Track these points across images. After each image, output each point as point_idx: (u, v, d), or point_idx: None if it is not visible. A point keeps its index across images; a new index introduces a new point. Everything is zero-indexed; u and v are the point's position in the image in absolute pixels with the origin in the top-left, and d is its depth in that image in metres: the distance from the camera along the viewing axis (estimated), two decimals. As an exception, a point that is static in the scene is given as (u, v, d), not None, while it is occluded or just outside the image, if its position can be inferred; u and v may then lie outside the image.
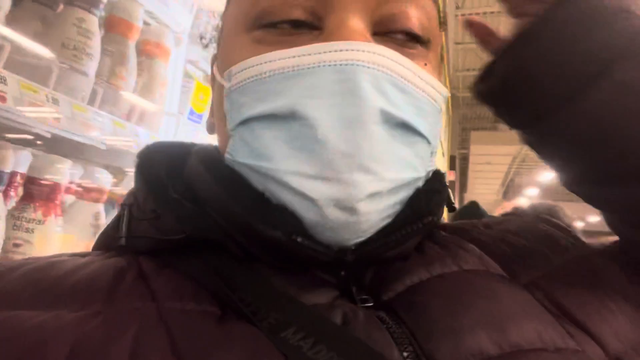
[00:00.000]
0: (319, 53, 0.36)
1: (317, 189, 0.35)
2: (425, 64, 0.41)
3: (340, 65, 0.35)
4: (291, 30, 0.39)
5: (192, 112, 1.68)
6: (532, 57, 0.43)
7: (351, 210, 0.35)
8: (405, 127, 0.37)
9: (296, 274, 0.38)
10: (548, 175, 13.99)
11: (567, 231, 0.50)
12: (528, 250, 0.47)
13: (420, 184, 0.40)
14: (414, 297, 0.38)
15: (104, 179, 1.43)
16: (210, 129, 0.48)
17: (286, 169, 0.35)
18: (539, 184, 14.98)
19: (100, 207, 1.43)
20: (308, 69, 0.36)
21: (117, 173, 1.49)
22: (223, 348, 0.31)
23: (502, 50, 0.44)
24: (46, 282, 0.36)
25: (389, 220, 0.39)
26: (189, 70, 1.69)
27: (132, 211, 0.43)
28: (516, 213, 0.58)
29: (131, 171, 1.48)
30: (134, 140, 1.28)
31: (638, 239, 0.45)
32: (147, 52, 1.43)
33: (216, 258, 0.38)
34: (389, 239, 0.39)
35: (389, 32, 0.40)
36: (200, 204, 0.39)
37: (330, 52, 0.36)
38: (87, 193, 1.37)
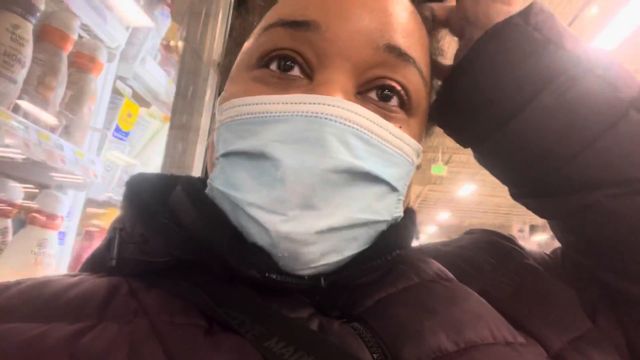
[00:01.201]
0: (294, 103, 0.40)
1: (271, 222, 0.38)
2: (400, 127, 0.44)
3: (310, 116, 0.39)
4: (283, 75, 0.44)
5: (118, 129, 1.65)
6: (467, 85, 0.48)
7: (299, 243, 0.38)
8: (368, 176, 0.40)
9: (276, 295, 0.41)
10: (445, 215, 14.95)
11: (513, 241, 0.57)
12: (478, 261, 0.53)
13: (384, 227, 0.44)
14: (382, 308, 0.42)
15: (16, 193, 1.35)
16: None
17: (250, 201, 0.39)
18: (437, 222, 15.97)
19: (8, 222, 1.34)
20: (281, 116, 0.40)
21: (36, 187, 1.41)
22: (213, 354, 0.34)
23: (444, 78, 0.51)
24: (42, 298, 0.38)
25: (338, 256, 0.41)
26: (119, 86, 1.66)
27: (122, 235, 0.45)
28: (472, 231, 0.63)
29: (49, 185, 1.41)
30: (59, 155, 1.23)
31: (574, 243, 0.51)
32: (79, 65, 1.39)
33: (202, 278, 0.41)
34: (359, 268, 0.42)
35: (370, 93, 0.44)
36: (186, 229, 0.42)
37: (303, 103, 0.40)
38: (-4, 205, 1.29)
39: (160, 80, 1.80)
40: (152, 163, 1.79)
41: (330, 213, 0.39)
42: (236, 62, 0.49)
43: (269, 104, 0.41)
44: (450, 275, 0.49)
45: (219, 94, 0.50)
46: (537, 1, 0.48)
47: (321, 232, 0.39)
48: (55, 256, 1.36)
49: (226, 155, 0.42)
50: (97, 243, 1.62)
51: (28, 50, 1.15)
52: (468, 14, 0.51)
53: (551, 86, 0.45)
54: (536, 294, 0.49)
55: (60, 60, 1.28)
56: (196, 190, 0.44)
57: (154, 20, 1.67)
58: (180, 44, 1.99)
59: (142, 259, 0.43)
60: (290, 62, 0.44)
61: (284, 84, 0.43)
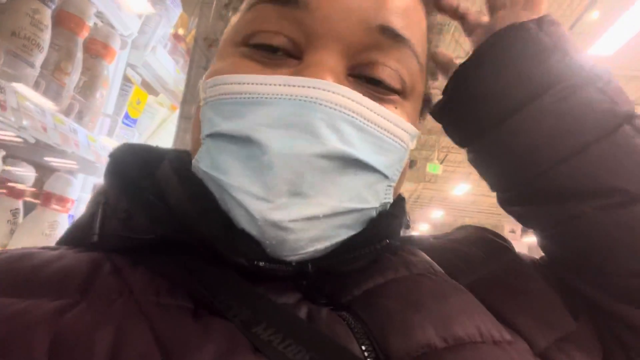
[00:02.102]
0: (284, 85, 0.38)
1: (259, 209, 0.37)
2: (396, 107, 0.43)
3: (300, 100, 0.37)
4: (273, 55, 0.41)
5: (127, 116, 1.67)
6: (475, 78, 0.49)
7: (286, 229, 0.37)
8: (358, 163, 0.39)
9: (263, 279, 0.40)
10: (438, 213, 15.05)
11: (504, 238, 0.56)
12: (468, 256, 0.52)
13: (373, 213, 0.42)
14: (370, 299, 0.41)
15: (27, 175, 1.37)
16: None
17: (237, 185, 0.38)
18: (430, 221, 16.06)
19: (19, 203, 1.36)
20: (270, 98, 0.38)
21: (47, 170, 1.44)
22: (202, 338, 0.33)
23: (453, 72, 0.50)
24: (23, 272, 0.37)
25: (327, 242, 0.40)
26: (129, 74, 1.68)
27: (105, 209, 0.43)
28: (464, 227, 0.62)
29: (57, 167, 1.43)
30: (73, 139, 1.26)
31: (558, 256, 0.51)
32: (93, 51, 1.42)
33: (187, 258, 0.39)
34: (347, 256, 0.41)
35: (362, 77, 0.42)
36: (171, 206, 0.41)
37: (293, 86, 0.38)
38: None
39: (169, 68, 1.82)
40: (159, 151, 1.81)
41: (319, 201, 0.37)
42: (223, 36, 0.47)
43: (256, 84, 0.39)
44: (439, 269, 0.48)
45: None
46: (550, 14, 0.51)
47: (309, 220, 0.37)
48: (65, 238, 1.38)
49: (212, 135, 0.40)
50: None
51: (46, 35, 1.17)
52: (496, 15, 0.52)
53: (553, 90, 0.46)
54: (524, 291, 0.48)
55: (76, 45, 1.30)
56: (185, 167, 0.42)
57: (166, 8, 1.69)
58: (191, 33, 2.01)
59: (125, 235, 0.41)
60: (277, 48, 0.42)
61: (272, 63, 0.41)
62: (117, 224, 0.42)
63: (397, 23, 0.42)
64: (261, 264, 0.38)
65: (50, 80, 1.23)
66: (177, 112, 1.82)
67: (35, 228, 1.35)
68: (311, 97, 0.37)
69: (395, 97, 0.43)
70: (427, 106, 0.52)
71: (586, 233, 0.46)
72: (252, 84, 0.39)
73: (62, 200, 1.37)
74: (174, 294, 0.36)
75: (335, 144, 0.37)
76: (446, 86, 0.52)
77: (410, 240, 0.55)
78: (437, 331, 0.38)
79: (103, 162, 1.44)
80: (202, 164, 0.40)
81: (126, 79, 1.66)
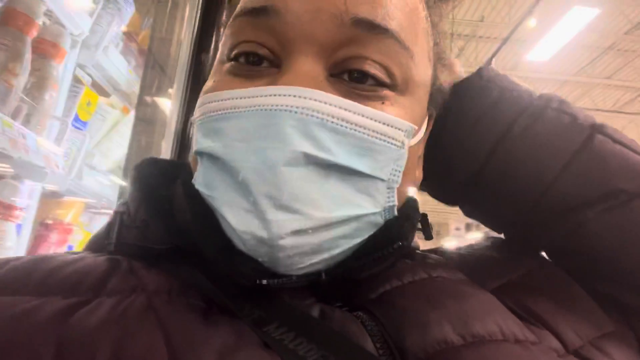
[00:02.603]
0: (252, 97, 0.38)
1: (245, 227, 0.37)
2: (383, 102, 0.41)
3: (268, 110, 0.37)
4: (256, 67, 0.41)
5: (77, 119, 1.60)
6: (441, 138, 0.50)
7: (275, 247, 0.36)
8: (340, 168, 0.38)
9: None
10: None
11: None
12: (494, 260, 0.51)
13: (378, 218, 0.41)
14: (386, 299, 0.41)
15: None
16: None
17: (224, 201, 0.38)
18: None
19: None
20: (242, 111, 0.38)
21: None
22: (210, 334, 0.33)
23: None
24: (39, 274, 0.37)
25: (328, 253, 0.39)
26: (79, 74, 1.61)
27: (123, 219, 0.45)
28: (488, 237, 0.59)
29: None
30: (22, 143, 1.19)
31: (576, 264, 0.49)
32: (42, 51, 1.34)
33: (201, 266, 0.40)
34: (361, 262, 0.40)
35: (343, 72, 0.41)
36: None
37: (264, 96, 0.37)
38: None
39: (122, 69, 1.76)
40: (112, 154, 1.74)
41: (306, 213, 0.36)
42: (217, 55, 0.47)
43: (228, 99, 0.39)
44: (460, 273, 0.47)
45: (188, 87, 0.51)
46: (485, 65, 0.54)
47: (297, 234, 0.36)
48: (13, 248, 1.31)
49: (198, 153, 0.41)
50: (53, 236, 1.56)
51: (-8, 34, 1.10)
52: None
53: (516, 124, 0.48)
54: (556, 291, 0.47)
55: (25, 45, 1.23)
56: (193, 192, 0.42)
57: (118, 7, 1.63)
58: (143, 33, 1.95)
59: (141, 244, 0.42)
60: (255, 57, 0.41)
61: (252, 76, 0.41)
62: (135, 232, 0.43)
63: (374, 13, 0.40)
64: (264, 282, 0.37)
65: (-4, 81, 1.16)
66: (132, 114, 1.76)
67: (-21, 238, 1.26)
68: (280, 105, 0.36)
69: (386, 91, 0.41)
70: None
71: (596, 236, 0.46)
72: (229, 99, 0.39)
73: (8, 208, 1.30)
74: (186, 293, 0.37)
75: (309, 151, 0.36)
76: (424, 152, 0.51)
77: (435, 251, 0.54)
78: (454, 328, 0.37)
79: (53, 167, 1.37)
80: (197, 182, 0.41)
81: (76, 80, 1.59)
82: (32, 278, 0.36)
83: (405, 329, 0.37)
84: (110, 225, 0.45)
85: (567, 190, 0.46)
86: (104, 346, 0.31)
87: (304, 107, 0.37)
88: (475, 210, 0.55)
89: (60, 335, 0.31)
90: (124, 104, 1.84)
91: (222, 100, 0.40)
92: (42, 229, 1.52)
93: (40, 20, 1.28)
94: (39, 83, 1.34)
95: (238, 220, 0.37)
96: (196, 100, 0.44)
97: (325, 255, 0.39)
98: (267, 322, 0.35)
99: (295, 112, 0.36)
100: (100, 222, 1.64)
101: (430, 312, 0.39)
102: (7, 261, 0.39)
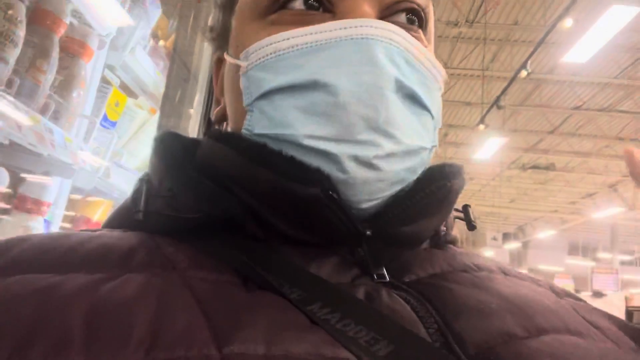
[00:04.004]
0: (336, 29, 0.39)
1: (338, 148, 0.37)
2: (426, 46, 0.44)
3: (357, 39, 0.38)
4: (305, 12, 0.42)
5: (105, 119, 1.63)
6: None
7: (370, 166, 0.37)
8: (413, 99, 0.40)
9: (314, 253, 0.38)
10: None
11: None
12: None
13: (427, 156, 0.42)
14: (438, 282, 0.39)
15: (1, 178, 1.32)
16: (219, 118, 0.50)
17: (307, 134, 0.37)
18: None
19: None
20: (327, 43, 0.38)
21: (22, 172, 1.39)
22: (252, 311, 0.30)
23: None
24: (60, 250, 0.35)
25: (400, 185, 0.40)
26: (107, 76, 1.65)
27: (149, 187, 0.42)
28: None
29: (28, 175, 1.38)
30: (49, 138, 1.21)
31: None
32: (70, 50, 1.38)
33: (233, 238, 0.38)
34: (403, 204, 0.40)
35: (395, 13, 0.43)
36: (219, 182, 0.39)
37: (346, 28, 0.39)
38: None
39: (149, 71, 1.79)
40: (140, 154, 1.77)
41: (396, 136, 0.38)
42: (237, 17, 0.46)
43: (309, 34, 0.39)
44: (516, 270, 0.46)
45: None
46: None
47: (389, 157, 0.37)
48: (41, 243, 1.34)
49: (265, 95, 0.40)
50: (82, 233, 1.60)
51: (21, 31, 1.13)
52: None
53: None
54: (603, 315, 0.44)
55: (52, 43, 1.26)
56: (229, 135, 0.42)
57: (145, 10, 1.67)
58: (171, 38, 1.98)
59: (170, 214, 0.40)
60: (315, 0, 0.42)
61: (307, 21, 0.41)
62: (161, 203, 0.41)
63: None
64: (335, 195, 0.36)
65: (24, 77, 1.19)
66: (158, 114, 1.78)
67: (10, 233, 1.30)
68: (370, 35, 0.38)
69: (422, 33, 0.45)
70: None
71: None
72: (302, 35, 0.39)
73: (37, 203, 1.33)
74: (219, 271, 0.35)
75: (399, 77, 0.38)
76: None
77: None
78: (516, 320, 0.35)
79: (81, 164, 1.40)
80: (256, 128, 0.40)
81: (104, 81, 1.62)
82: (52, 255, 0.34)
83: (464, 315, 0.35)
84: (136, 194, 0.42)
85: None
86: (141, 321, 0.28)
87: (389, 38, 0.39)
88: None
89: (90, 308, 0.29)
90: (151, 105, 1.87)
91: (296, 37, 0.39)
92: (70, 226, 1.55)
93: (68, 19, 1.32)
94: (67, 81, 1.37)
95: (331, 145, 0.37)
96: None
97: (398, 187, 0.40)
98: (310, 302, 0.32)
99: (382, 42, 0.38)
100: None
101: (489, 302, 0.36)
102: (24, 239, 0.36)
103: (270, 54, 0.40)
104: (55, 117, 1.34)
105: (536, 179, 12.84)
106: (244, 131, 0.41)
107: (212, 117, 0.51)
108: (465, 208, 0.48)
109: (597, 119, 9.47)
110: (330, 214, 0.37)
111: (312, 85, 0.38)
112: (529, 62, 6.21)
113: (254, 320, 0.29)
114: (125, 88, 1.79)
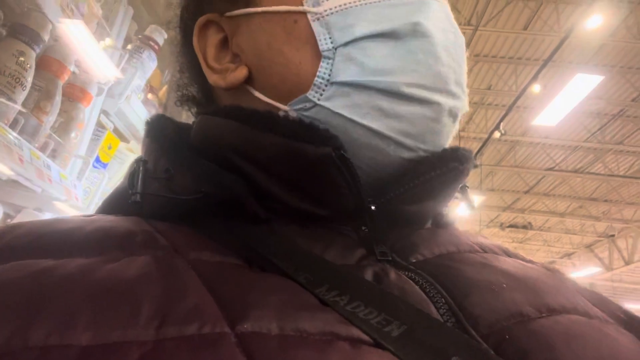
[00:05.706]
0: None
1: (437, 97, 0.38)
2: None
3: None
4: None
5: (98, 160, 1.73)
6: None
7: (455, 117, 0.40)
8: None
9: (318, 233, 0.37)
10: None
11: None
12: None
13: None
14: (446, 262, 0.37)
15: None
16: (237, 80, 0.43)
17: (407, 81, 0.37)
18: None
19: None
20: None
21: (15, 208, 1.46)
22: (262, 291, 0.29)
23: None
24: (56, 235, 0.33)
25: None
26: (102, 120, 1.76)
27: (146, 168, 0.40)
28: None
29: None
30: (47, 174, 1.30)
31: None
32: (71, 95, 1.50)
33: (232, 221, 0.37)
34: (411, 183, 0.39)
35: None
36: (218, 160, 0.39)
37: None
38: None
39: (142, 117, 1.91)
40: (128, 194, 1.86)
41: (466, 95, 0.41)
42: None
43: None
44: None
45: None
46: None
47: (461, 113, 0.41)
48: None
49: (354, 41, 0.38)
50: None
51: (30, 76, 1.25)
52: None
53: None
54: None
55: (56, 88, 1.38)
56: (233, 106, 0.40)
57: (141, 61, 1.81)
58: (163, 89, 2.12)
59: (168, 195, 0.38)
60: None
61: None
62: (157, 185, 0.39)
63: None
64: (346, 154, 0.36)
65: (29, 117, 1.29)
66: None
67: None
68: None
69: None
70: None
71: None
72: None
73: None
74: (223, 253, 0.33)
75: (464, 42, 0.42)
76: None
77: None
78: (527, 300, 0.34)
79: (73, 199, 1.48)
80: (341, 76, 0.38)
81: (99, 125, 1.73)
82: (48, 239, 0.32)
83: (474, 294, 0.33)
84: (132, 176, 0.39)
85: None
86: (148, 299, 0.26)
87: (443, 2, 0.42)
88: None
89: (94, 287, 0.27)
90: (142, 150, 1.97)
91: None
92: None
93: (72, 66, 1.45)
94: (66, 122, 1.48)
95: (426, 93, 0.38)
96: None
97: (445, 144, 0.42)
98: (317, 285, 0.31)
99: (447, 7, 0.43)
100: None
101: (499, 281, 0.35)
102: (17, 226, 0.35)
103: (353, 2, 0.39)
104: (53, 155, 1.44)
105: (515, 238, 13.02)
106: (317, 80, 0.38)
107: (223, 83, 0.43)
108: (464, 188, 0.47)
109: (570, 180, 9.79)
110: (339, 177, 0.36)
111: (410, 34, 0.38)
112: (502, 124, 6.53)
113: (265, 300, 0.28)
114: (118, 132, 1.90)
